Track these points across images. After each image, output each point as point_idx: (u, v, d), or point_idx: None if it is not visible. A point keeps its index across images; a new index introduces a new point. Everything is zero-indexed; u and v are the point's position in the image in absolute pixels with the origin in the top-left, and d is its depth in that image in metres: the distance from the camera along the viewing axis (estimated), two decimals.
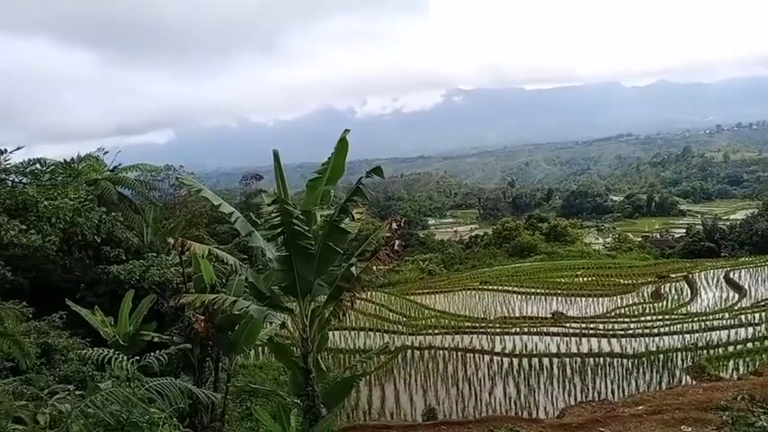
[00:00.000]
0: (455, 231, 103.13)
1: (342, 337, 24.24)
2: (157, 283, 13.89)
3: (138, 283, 13.63)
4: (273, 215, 8.21)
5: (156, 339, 10.99)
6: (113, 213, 15.04)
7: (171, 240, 8.87)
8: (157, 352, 5.33)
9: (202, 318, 9.94)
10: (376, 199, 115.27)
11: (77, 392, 4.58)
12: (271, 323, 10.22)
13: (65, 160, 10.59)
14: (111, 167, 15.44)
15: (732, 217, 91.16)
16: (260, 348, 19.41)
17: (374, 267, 8.98)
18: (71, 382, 8.82)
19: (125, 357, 4.91)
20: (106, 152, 13.02)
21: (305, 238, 8.25)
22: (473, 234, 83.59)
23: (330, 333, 12.08)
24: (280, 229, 8.24)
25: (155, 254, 15.34)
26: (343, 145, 8.89)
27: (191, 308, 10.07)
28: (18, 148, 7.17)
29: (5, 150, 6.81)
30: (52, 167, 10.65)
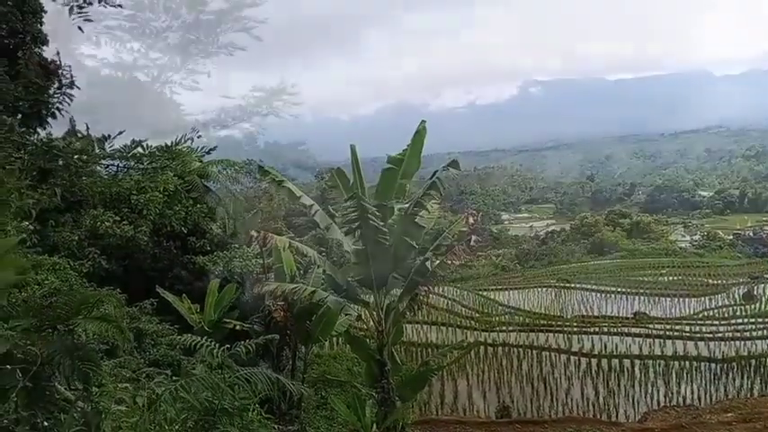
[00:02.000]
0: (530, 227, 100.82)
1: (414, 331, 24.27)
2: (239, 273, 14.44)
3: (222, 273, 14.22)
4: (350, 210, 8.35)
5: (237, 327, 11.45)
6: (198, 205, 15.77)
7: (253, 233, 9.20)
8: (246, 341, 5.53)
9: (281, 306, 10.28)
10: (449, 193, 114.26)
11: (174, 378, 4.83)
12: (346, 314, 10.43)
13: (165, 144, 11.24)
14: (201, 154, 16.20)
15: None
16: (334, 339, 19.82)
17: (449, 262, 8.98)
18: (160, 365, 9.31)
19: (216, 344, 5.14)
20: (200, 135, 13.55)
21: (381, 233, 8.35)
22: (549, 230, 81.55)
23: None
24: (357, 224, 8.38)
25: (237, 245, 15.95)
26: (419, 137, 8.90)
27: (270, 297, 10.42)
28: (120, 133, 7.60)
29: (109, 136, 7.20)
30: (152, 151, 11.30)
